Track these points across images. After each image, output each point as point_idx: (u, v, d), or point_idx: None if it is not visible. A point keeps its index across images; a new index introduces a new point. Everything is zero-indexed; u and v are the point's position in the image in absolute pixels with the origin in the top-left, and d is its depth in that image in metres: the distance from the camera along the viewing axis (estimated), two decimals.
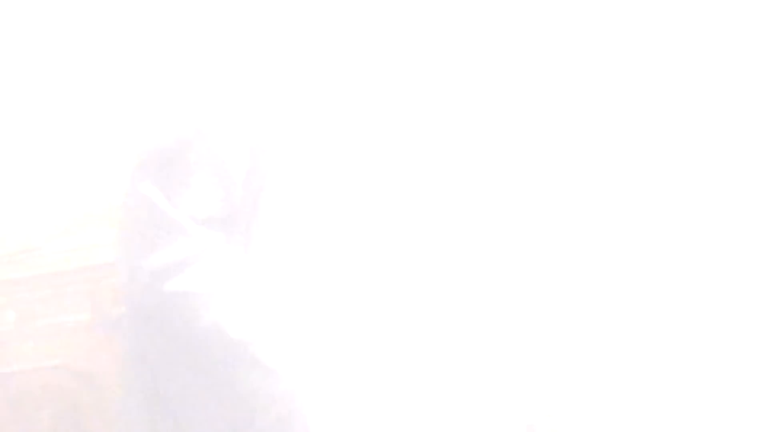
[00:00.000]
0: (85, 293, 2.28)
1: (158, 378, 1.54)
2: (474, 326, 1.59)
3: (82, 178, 2.25)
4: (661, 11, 2.01)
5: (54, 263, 2.20)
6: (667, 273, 1.93)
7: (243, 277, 1.41)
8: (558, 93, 2.08)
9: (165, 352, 1.49)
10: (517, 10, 1.88)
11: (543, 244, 1.92)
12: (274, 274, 1.45)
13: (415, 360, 1.49)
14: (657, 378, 1.89)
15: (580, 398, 1.88)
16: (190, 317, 1.38)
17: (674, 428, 1.88)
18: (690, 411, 1.86)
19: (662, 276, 1.92)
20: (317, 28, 1.46)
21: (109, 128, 2.24)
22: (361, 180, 1.64)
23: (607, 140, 2.05)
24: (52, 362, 2.30)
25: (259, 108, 1.37)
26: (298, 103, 1.40)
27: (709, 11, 2.00)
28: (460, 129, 1.72)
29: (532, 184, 1.98)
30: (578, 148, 2.02)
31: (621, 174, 2.02)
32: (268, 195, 1.41)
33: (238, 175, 1.38)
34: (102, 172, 2.23)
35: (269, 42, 1.39)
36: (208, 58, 1.39)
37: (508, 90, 2.09)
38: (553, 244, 1.95)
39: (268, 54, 1.37)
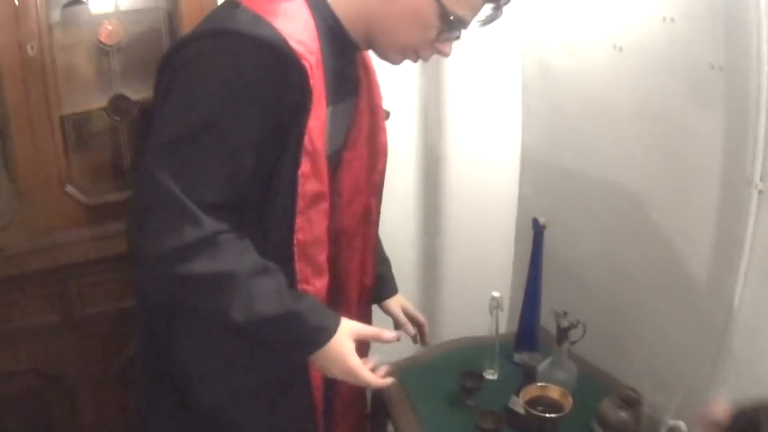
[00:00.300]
0: (54, 295, 2.26)
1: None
2: None
3: None
4: None
5: (20, 265, 2.16)
6: None
7: (253, 259, 1.47)
8: None
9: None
10: None
11: None
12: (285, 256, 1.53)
13: None
14: None
15: None
16: (196, 300, 1.45)
17: None
18: None
19: None
20: None
21: None
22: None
23: None
24: (21, 367, 2.27)
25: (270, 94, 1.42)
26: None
27: None
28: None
29: None
30: None
31: None
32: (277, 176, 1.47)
33: (248, 160, 1.42)
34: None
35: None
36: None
37: None
38: None
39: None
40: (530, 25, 2.52)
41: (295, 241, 1.51)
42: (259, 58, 1.37)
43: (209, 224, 1.38)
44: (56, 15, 2.12)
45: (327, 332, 1.52)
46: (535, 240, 2.18)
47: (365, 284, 1.91)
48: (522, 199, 2.72)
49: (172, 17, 2.22)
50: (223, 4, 1.53)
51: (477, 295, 2.35)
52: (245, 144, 1.40)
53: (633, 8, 2.07)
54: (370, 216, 1.85)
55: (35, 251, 2.18)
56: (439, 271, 2.74)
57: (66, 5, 2.13)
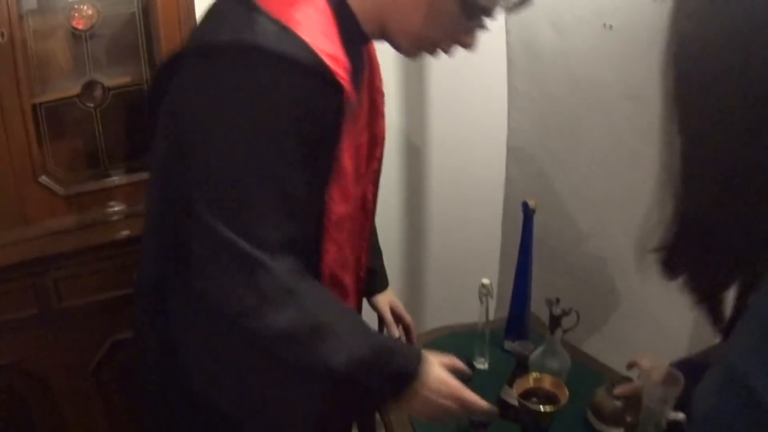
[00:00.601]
0: (30, 288, 2.19)
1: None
2: None
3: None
4: None
5: None
6: None
7: (331, 298, 1.38)
8: None
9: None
10: None
11: None
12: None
13: None
14: None
15: None
16: (287, 355, 1.31)
17: None
18: None
19: None
20: None
21: None
22: None
23: None
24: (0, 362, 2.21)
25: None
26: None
27: None
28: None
29: None
30: None
31: None
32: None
33: (300, 188, 1.32)
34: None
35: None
36: None
37: None
38: None
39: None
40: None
41: (324, 268, 1.43)
42: (295, 82, 1.27)
43: (279, 268, 1.29)
44: (32, 2, 2.04)
45: (422, 361, 1.43)
46: (525, 224, 2.13)
47: (360, 276, 1.81)
48: (509, 183, 2.68)
49: (147, 1, 2.15)
50: (231, 2, 1.36)
51: (464, 282, 2.31)
52: (293, 173, 1.31)
53: None
54: (367, 204, 1.75)
55: (9, 244, 2.12)
56: (425, 257, 2.70)
57: None
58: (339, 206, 1.42)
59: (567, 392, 1.79)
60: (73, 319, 2.25)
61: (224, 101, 1.28)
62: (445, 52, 1.51)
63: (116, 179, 2.26)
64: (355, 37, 1.45)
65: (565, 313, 1.96)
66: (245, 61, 1.26)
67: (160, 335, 1.51)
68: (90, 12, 2.11)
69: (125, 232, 2.20)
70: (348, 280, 1.55)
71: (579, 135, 2.31)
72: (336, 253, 1.46)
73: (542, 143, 2.47)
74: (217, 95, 1.28)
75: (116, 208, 2.26)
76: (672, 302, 2.03)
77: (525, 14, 2.41)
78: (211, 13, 1.41)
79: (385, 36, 1.49)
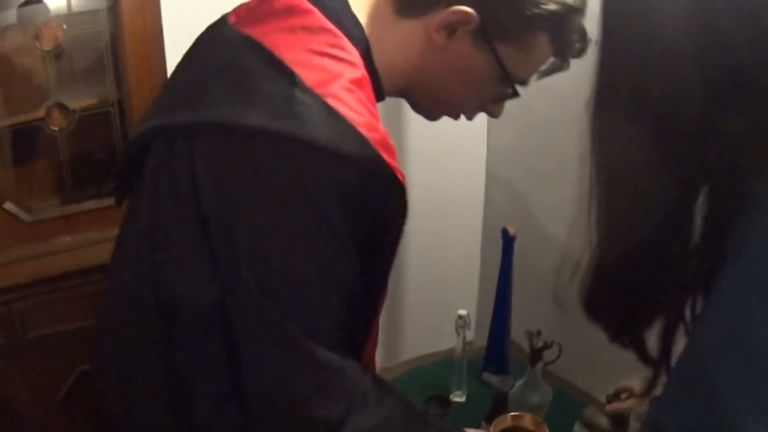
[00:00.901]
0: None
1: None
2: None
3: None
4: None
5: None
6: None
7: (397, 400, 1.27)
8: None
9: None
10: None
11: None
12: None
13: None
14: None
15: None
16: None
17: None
18: None
19: None
20: None
21: None
22: None
23: None
24: None
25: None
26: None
27: None
28: None
29: None
30: None
31: None
32: None
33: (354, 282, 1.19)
34: None
35: None
36: None
37: None
38: None
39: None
40: None
41: (364, 356, 1.32)
42: (352, 184, 1.12)
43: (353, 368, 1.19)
44: None
45: None
46: (505, 252, 2.07)
47: None
48: (489, 205, 2.61)
49: (113, 20, 2.07)
50: (258, 62, 1.15)
51: (441, 309, 2.26)
52: (353, 276, 1.18)
53: None
54: None
55: None
56: (400, 284, 2.63)
57: None
58: (381, 301, 1.32)
59: (547, 431, 1.74)
60: (39, 349, 2.19)
61: (271, 200, 1.13)
62: (469, 118, 1.43)
63: (83, 205, 2.20)
64: (377, 95, 1.29)
65: (547, 345, 1.91)
66: (293, 156, 1.10)
67: None
68: (57, 32, 2.04)
69: (93, 260, 2.13)
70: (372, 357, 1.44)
71: (563, 154, 2.25)
72: (372, 345, 1.37)
73: (523, 163, 2.41)
74: (264, 192, 1.12)
75: (84, 235, 2.20)
76: (657, 331, 1.99)
77: None
78: (221, 64, 1.21)
79: (406, 96, 1.39)
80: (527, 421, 1.76)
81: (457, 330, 2.06)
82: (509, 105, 2.38)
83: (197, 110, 1.19)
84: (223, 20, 1.30)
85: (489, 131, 2.52)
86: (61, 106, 2.10)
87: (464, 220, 2.63)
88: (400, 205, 1.21)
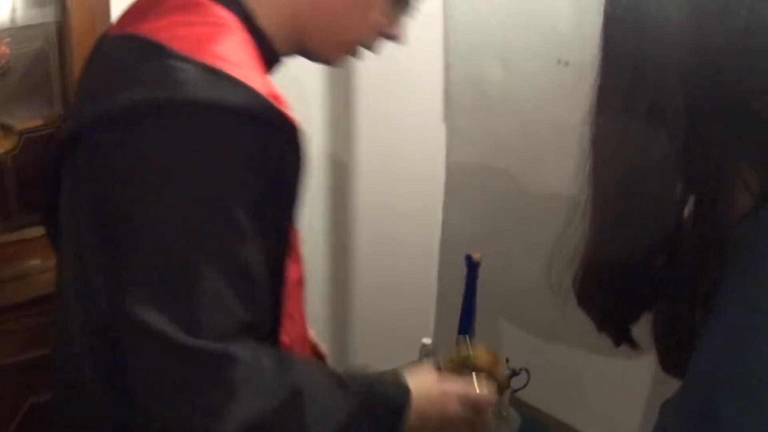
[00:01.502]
0: None
1: None
2: None
3: None
4: None
5: None
6: None
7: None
8: None
9: None
10: None
11: None
12: None
13: None
14: None
15: None
16: None
17: None
18: None
19: None
20: None
21: None
22: None
23: None
24: None
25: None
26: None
27: None
28: None
29: None
30: None
31: None
32: None
33: (260, 263, 1.12)
34: None
35: None
36: None
37: None
38: None
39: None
40: (459, 36, 2.37)
41: (280, 347, 1.24)
42: (245, 135, 1.08)
43: (245, 358, 1.08)
44: None
45: (407, 392, 1.28)
46: (469, 279, 2.02)
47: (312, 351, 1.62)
48: (447, 229, 2.56)
49: (62, 35, 2.01)
50: (133, 49, 1.16)
51: (399, 338, 2.21)
52: (248, 246, 1.10)
53: (580, 20, 1.93)
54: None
55: None
56: (352, 317, 2.56)
57: None
58: (293, 273, 1.24)
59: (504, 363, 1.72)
60: None
61: (158, 171, 1.08)
62: (370, 49, 1.39)
63: (31, 232, 2.10)
64: (270, 58, 1.27)
65: (515, 373, 1.88)
66: (178, 120, 1.07)
67: None
68: (2, 49, 1.96)
69: (42, 289, 2.04)
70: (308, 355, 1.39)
71: (527, 175, 2.24)
72: (291, 330, 1.28)
73: (485, 185, 2.38)
74: (149, 166, 1.08)
75: (31, 263, 2.12)
76: (629, 354, 1.98)
77: (471, 48, 2.33)
78: (105, 65, 1.23)
79: (301, 49, 1.35)
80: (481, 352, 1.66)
81: (421, 359, 2.03)
82: (471, 126, 2.36)
83: (84, 111, 1.20)
84: (104, 34, 1.32)
85: (448, 153, 2.50)
86: (5, 128, 2.02)
87: (420, 245, 2.57)
88: (298, 153, 1.15)
